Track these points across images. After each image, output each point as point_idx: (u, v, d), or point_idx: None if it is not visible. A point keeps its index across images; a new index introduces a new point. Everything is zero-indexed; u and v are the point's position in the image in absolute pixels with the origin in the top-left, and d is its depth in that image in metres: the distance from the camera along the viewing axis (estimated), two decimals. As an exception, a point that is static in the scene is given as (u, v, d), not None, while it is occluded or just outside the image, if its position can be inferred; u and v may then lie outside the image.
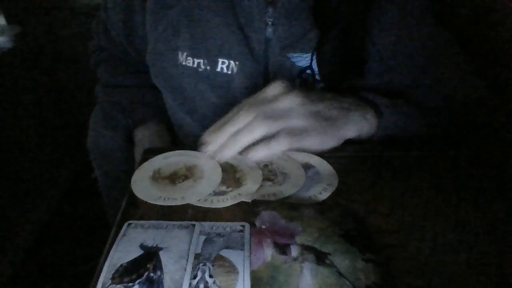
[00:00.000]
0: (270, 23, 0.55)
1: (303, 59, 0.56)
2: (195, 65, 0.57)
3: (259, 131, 0.43)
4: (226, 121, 0.45)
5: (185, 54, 0.58)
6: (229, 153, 0.44)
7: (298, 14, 0.54)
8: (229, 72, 0.57)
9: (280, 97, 0.45)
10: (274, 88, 0.46)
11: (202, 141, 0.47)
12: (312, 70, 0.56)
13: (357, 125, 0.49)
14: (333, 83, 0.56)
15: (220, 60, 0.57)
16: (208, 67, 0.57)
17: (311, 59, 0.56)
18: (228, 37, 0.56)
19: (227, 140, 0.44)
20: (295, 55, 0.56)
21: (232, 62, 0.57)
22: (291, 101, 0.45)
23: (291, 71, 0.56)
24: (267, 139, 0.44)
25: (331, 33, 0.54)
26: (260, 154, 0.45)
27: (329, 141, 0.48)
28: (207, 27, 0.56)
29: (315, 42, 0.55)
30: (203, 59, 0.57)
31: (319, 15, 0.54)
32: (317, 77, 0.56)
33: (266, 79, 0.57)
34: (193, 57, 0.57)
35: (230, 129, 0.44)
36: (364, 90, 0.55)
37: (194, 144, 0.67)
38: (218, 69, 0.57)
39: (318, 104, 0.47)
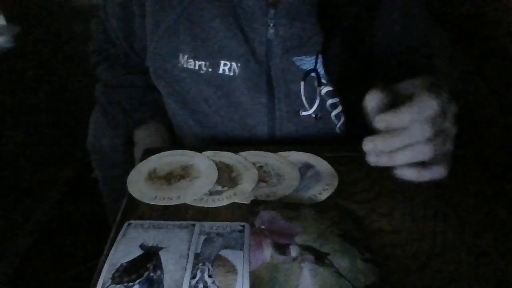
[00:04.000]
0: (271, 24, 0.55)
1: (307, 62, 0.56)
2: (197, 67, 0.57)
3: (423, 157, 0.38)
4: (400, 124, 0.37)
5: (186, 56, 0.57)
6: (383, 164, 0.40)
7: (300, 15, 0.54)
8: (231, 74, 0.57)
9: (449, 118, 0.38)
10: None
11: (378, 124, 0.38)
12: (317, 72, 0.56)
13: None
14: (340, 85, 0.56)
15: (222, 62, 0.57)
16: (210, 69, 0.57)
17: (316, 62, 0.56)
18: (229, 39, 0.56)
19: (389, 153, 0.38)
20: (298, 57, 0.56)
21: (234, 63, 0.56)
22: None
23: (295, 74, 0.56)
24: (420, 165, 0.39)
25: (336, 35, 0.54)
26: (408, 176, 0.40)
27: None
28: (207, 29, 0.56)
29: (319, 44, 0.55)
30: (205, 61, 0.57)
31: (322, 16, 0.54)
32: (322, 79, 0.56)
33: (269, 81, 0.57)
34: (194, 59, 0.57)
35: (399, 143, 0.37)
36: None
37: (194, 144, 0.67)
38: (220, 71, 0.57)
39: None
